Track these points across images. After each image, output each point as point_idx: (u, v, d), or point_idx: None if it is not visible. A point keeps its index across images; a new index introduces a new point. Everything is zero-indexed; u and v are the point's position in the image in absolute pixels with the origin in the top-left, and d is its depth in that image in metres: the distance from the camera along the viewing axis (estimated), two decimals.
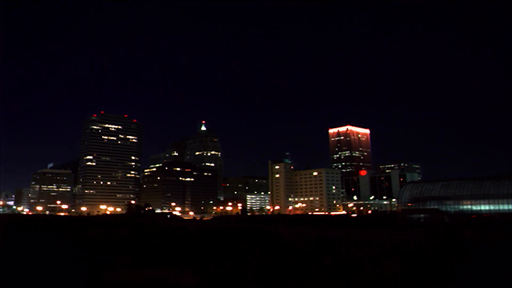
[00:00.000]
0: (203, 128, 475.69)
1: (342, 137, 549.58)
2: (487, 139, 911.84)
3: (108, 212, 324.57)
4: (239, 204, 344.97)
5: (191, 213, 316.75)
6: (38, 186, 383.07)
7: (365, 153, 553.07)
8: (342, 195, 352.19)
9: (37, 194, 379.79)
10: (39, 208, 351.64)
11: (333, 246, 78.20)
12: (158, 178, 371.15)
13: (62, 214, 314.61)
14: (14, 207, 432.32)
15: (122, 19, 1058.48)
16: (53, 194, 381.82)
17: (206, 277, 46.79)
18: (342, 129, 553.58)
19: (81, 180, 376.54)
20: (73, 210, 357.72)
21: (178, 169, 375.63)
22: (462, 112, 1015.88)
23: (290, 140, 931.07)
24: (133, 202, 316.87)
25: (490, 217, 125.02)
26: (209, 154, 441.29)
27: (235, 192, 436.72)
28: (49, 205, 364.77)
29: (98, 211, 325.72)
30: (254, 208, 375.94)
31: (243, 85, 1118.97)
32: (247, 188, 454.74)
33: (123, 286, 44.28)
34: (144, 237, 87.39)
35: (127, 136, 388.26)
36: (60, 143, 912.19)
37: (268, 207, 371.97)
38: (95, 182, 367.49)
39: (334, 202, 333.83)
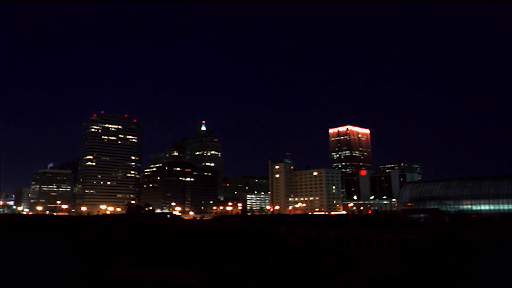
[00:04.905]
0: (203, 128, 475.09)
1: (342, 137, 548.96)
2: (486, 140, 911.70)
3: (108, 212, 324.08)
4: (239, 204, 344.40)
5: (191, 213, 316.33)
6: (38, 186, 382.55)
7: (365, 153, 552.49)
8: (342, 195, 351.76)
9: (37, 194, 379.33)
10: (39, 208, 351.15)
11: (333, 246, 78.16)
12: (158, 178, 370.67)
13: (62, 214, 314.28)
14: (14, 207, 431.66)
15: (122, 19, 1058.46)
16: (53, 194, 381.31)
17: (206, 277, 46.76)
18: (342, 129, 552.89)
19: (81, 180, 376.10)
20: (73, 210, 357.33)
21: (178, 169, 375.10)
22: (462, 112, 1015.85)
23: (290, 140, 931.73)
24: (133, 202, 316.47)
25: (490, 217, 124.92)
26: (209, 154, 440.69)
27: (235, 192, 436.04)
28: (49, 205, 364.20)
29: (98, 211, 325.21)
30: (254, 208, 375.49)
31: (243, 85, 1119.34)
32: (247, 188, 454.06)
33: (123, 286, 44.24)
34: (144, 237, 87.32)
35: (127, 136, 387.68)
36: (60, 143, 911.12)
37: (268, 207, 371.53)
38: (95, 182, 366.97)
39: (334, 202, 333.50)
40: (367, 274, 47.93)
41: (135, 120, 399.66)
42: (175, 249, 69.34)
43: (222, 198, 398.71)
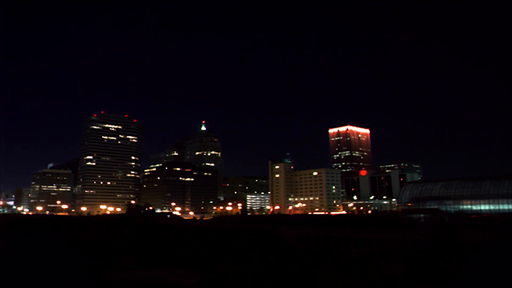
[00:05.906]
0: (203, 128, 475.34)
1: (342, 137, 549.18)
2: (486, 140, 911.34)
3: (108, 212, 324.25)
4: (239, 204, 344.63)
5: (191, 213, 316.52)
6: (38, 186, 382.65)
7: (365, 153, 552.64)
8: (342, 195, 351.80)
9: (37, 194, 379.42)
10: (39, 208, 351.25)
11: (333, 246, 78.21)
12: (158, 178, 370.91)
13: (62, 214, 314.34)
14: (14, 207, 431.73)
15: (122, 19, 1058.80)
16: (53, 194, 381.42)
17: (206, 277, 46.80)
18: (342, 129, 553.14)
19: (81, 180, 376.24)
20: (73, 210, 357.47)
21: (178, 169, 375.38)
22: (462, 112, 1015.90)
23: (290, 140, 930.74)
24: (133, 202, 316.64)
25: (490, 217, 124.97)
26: (209, 154, 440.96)
27: (235, 192, 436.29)
28: (49, 205, 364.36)
29: (98, 211, 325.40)
30: (254, 208, 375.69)
31: (243, 85, 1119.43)
32: (247, 188, 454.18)
33: (123, 286, 44.29)
34: (144, 237, 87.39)
35: (127, 136, 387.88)
36: (60, 143, 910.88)
37: (268, 207, 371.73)
38: (95, 182, 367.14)
39: (334, 202, 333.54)
40: (367, 275, 47.97)
41: (135, 120, 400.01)
42: (175, 249, 69.37)
43: (222, 198, 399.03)
